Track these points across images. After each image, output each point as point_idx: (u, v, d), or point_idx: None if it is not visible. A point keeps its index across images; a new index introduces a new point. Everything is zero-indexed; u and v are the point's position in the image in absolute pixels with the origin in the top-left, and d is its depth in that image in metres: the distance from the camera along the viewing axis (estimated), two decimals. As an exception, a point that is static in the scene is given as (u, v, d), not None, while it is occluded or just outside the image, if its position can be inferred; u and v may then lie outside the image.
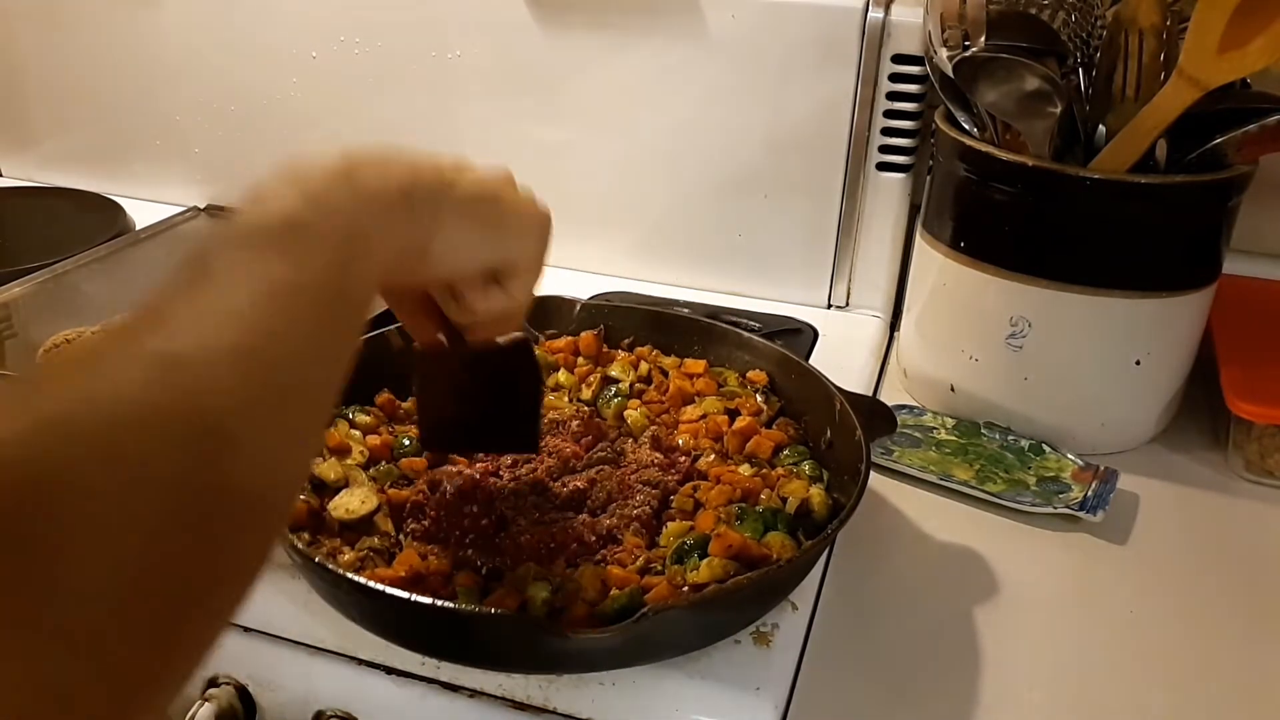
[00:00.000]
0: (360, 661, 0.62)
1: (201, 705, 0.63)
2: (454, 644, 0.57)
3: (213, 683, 0.65)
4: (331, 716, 0.62)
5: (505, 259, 0.51)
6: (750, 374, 0.77)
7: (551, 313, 0.83)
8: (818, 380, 0.72)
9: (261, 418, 0.34)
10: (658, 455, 0.69)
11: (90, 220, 1.14)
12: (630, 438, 0.72)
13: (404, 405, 0.74)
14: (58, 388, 0.30)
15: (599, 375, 0.77)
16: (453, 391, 0.62)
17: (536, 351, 0.69)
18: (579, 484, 0.66)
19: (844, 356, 0.93)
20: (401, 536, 0.63)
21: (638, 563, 0.59)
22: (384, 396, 0.74)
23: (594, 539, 0.61)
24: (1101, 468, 0.78)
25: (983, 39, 0.77)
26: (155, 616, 0.28)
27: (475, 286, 0.52)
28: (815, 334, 0.97)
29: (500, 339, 0.59)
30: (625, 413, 0.74)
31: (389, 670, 0.61)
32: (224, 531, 0.31)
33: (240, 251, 0.38)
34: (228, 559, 0.32)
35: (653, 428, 0.72)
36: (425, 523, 0.62)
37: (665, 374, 0.78)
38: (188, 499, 0.30)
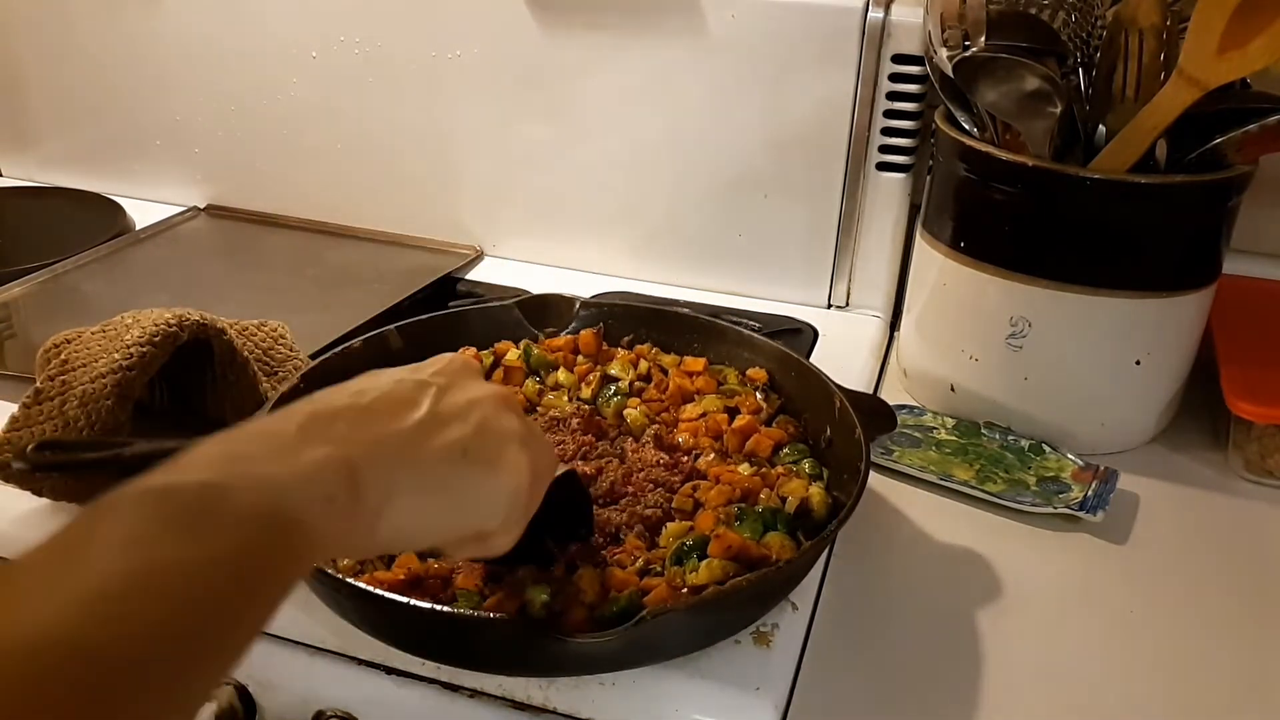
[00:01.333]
0: (360, 662, 0.62)
1: (201, 705, 0.63)
2: (453, 647, 0.57)
3: (212, 683, 0.65)
4: (331, 717, 0.62)
5: (471, 532, 0.45)
6: (750, 372, 0.77)
7: (551, 311, 0.83)
8: (817, 378, 0.72)
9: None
10: (663, 455, 0.69)
11: (90, 220, 1.14)
12: (630, 437, 0.72)
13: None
14: None
15: (599, 374, 0.77)
16: None
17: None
18: (586, 470, 0.66)
19: (844, 356, 0.93)
20: None
21: (637, 564, 0.59)
22: (384, 397, 0.73)
23: (600, 537, 0.61)
24: (1101, 468, 0.78)
25: (983, 39, 0.77)
26: None
27: (450, 545, 0.46)
28: (815, 334, 0.97)
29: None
30: (625, 411, 0.74)
31: (389, 670, 0.61)
32: None
33: (130, 520, 0.32)
34: None
35: (653, 426, 0.72)
36: None
37: (665, 372, 0.78)
38: None
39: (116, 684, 0.29)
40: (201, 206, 1.21)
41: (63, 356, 0.68)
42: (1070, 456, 0.80)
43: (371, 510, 0.39)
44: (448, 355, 0.48)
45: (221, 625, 0.33)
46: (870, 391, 0.89)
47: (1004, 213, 0.78)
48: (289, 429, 0.39)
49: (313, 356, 0.79)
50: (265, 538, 0.35)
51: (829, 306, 1.03)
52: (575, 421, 0.72)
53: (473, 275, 1.08)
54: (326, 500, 0.37)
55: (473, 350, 0.78)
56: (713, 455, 0.69)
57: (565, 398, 0.76)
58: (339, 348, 0.74)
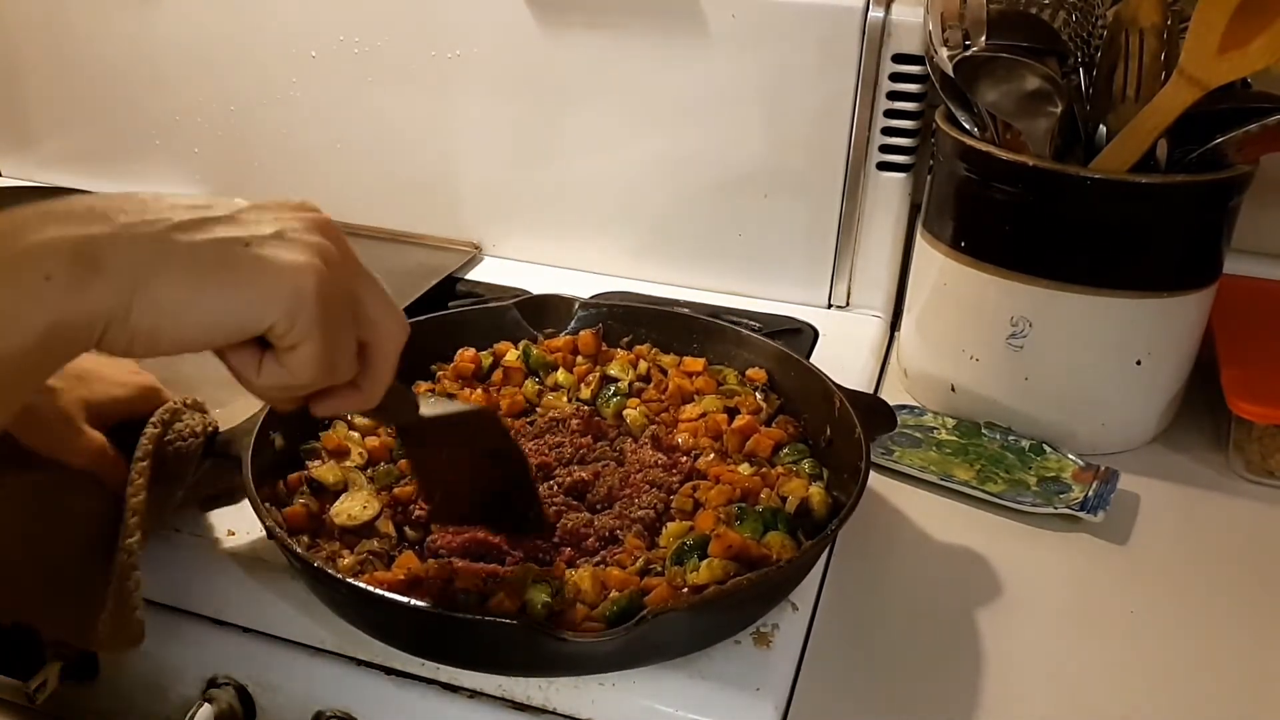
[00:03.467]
0: (360, 662, 0.62)
1: (201, 706, 0.63)
2: (453, 647, 0.57)
3: (213, 683, 0.65)
4: (331, 717, 0.62)
5: (247, 326, 0.40)
6: (749, 372, 0.77)
7: (550, 311, 0.83)
8: (817, 377, 0.72)
9: None
10: (661, 455, 0.69)
11: (89, 220, 1.14)
12: (629, 437, 0.72)
13: (403, 405, 0.74)
14: None
15: (598, 374, 0.77)
16: (441, 466, 0.59)
17: (506, 418, 0.65)
18: (583, 475, 0.66)
19: (844, 356, 0.92)
20: (407, 529, 0.63)
21: (637, 564, 0.59)
22: (383, 397, 0.73)
23: (595, 541, 0.61)
24: (1102, 468, 0.78)
25: (983, 38, 0.77)
26: None
27: (240, 356, 0.42)
28: (815, 334, 0.97)
29: (452, 409, 0.55)
30: (624, 412, 0.74)
31: (388, 671, 0.61)
32: None
33: None
34: None
35: (652, 427, 0.72)
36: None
37: (664, 372, 0.78)
38: None
39: None
40: (201, 206, 1.21)
41: None
42: (1071, 456, 0.80)
43: (113, 292, 0.37)
44: (291, 200, 0.44)
45: None
46: (870, 391, 0.89)
47: (1005, 213, 0.78)
48: (19, 219, 0.37)
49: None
50: None
51: (829, 306, 1.03)
52: (575, 422, 0.72)
53: (472, 275, 1.08)
54: (44, 279, 0.35)
55: (472, 351, 0.78)
56: (712, 455, 0.69)
57: (565, 398, 0.76)
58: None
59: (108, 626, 0.57)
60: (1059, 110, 0.74)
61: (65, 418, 0.59)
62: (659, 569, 0.59)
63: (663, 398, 0.76)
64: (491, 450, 0.60)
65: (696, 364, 0.78)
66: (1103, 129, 0.78)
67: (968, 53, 0.77)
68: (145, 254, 0.37)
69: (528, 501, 0.62)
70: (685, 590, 0.56)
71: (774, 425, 0.73)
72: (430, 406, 0.55)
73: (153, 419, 0.63)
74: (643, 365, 0.78)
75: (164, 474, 0.62)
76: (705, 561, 0.57)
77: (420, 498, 0.64)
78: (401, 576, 0.57)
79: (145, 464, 0.59)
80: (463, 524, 0.61)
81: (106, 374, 0.65)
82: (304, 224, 0.42)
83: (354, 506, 0.63)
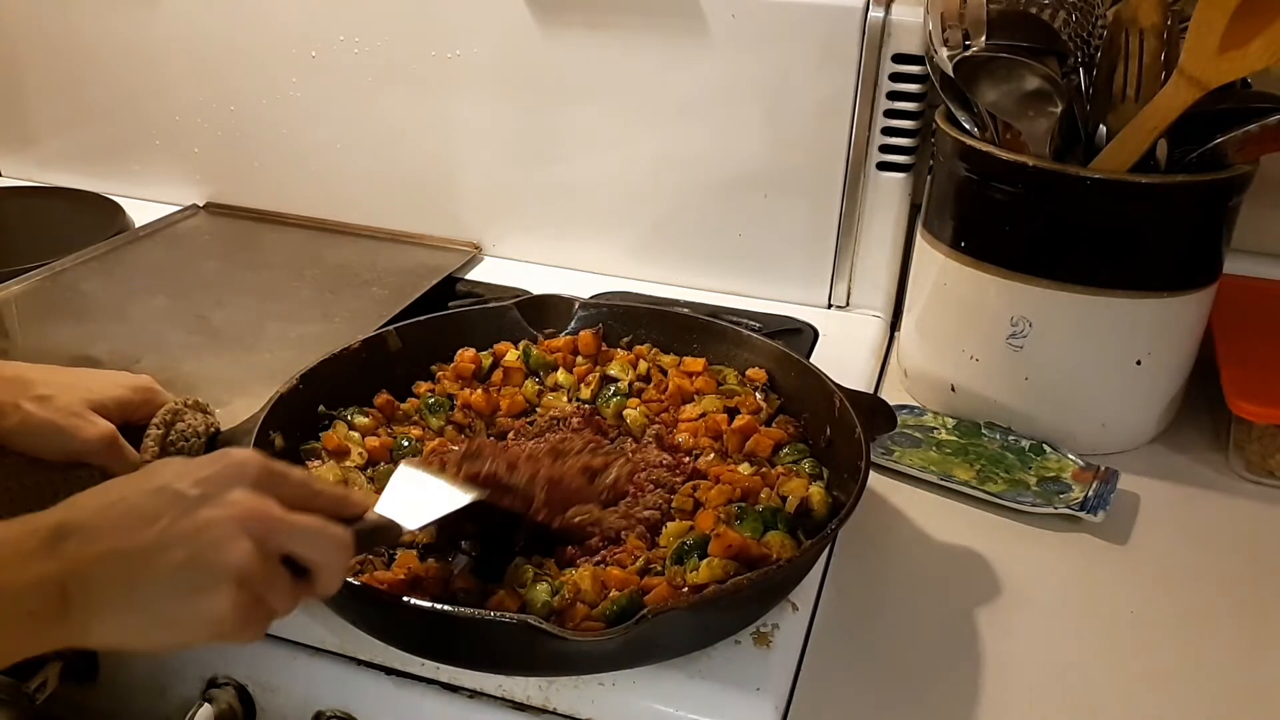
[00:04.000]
0: (360, 662, 0.62)
1: (201, 706, 0.63)
2: (453, 647, 0.57)
3: (213, 683, 0.65)
4: (331, 717, 0.62)
5: (183, 645, 0.47)
6: (749, 372, 0.77)
7: (550, 312, 0.83)
8: (817, 377, 0.72)
9: None
10: (666, 455, 0.69)
11: (89, 220, 1.14)
12: (630, 437, 0.72)
13: (402, 407, 0.74)
14: None
15: (598, 374, 0.77)
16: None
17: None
18: (593, 464, 0.66)
19: (844, 356, 0.93)
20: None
21: (637, 563, 0.59)
22: (382, 398, 0.73)
23: (598, 540, 0.61)
24: (1102, 468, 0.78)
25: (983, 38, 0.77)
26: None
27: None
28: (815, 334, 0.97)
29: (439, 516, 0.55)
30: (625, 412, 0.74)
31: (388, 671, 0.61)
32: None
33: None
34: None
35: (656, 427, 0.72)
36: None
37: (664, 372, 0.78)
38: None
39: None
40: (201, 205, 1.21)
41: None
42: (1071, 456, 0.80)
43: (78, 623, 0.44)
44: (235, 456, 0.48)
45: None
46: (870, 391, 0.89)
47: (1004, 212, 0.78)
48: (31, 543, 0.43)
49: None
50: None
51: (829, 306, 1.03)
52: (575, 420, 0.72)
53: (472, 275, 1.08)
54: (28, 614, 0.42)
55: (472, 352, 0.78)
56: (713, 455, 0.69)
57: (565, 398, 0.76)
58: (340, 349, 0.74)
59: None
60: (1059, 110, 0.74)
61: (72, 411, 0.60)
62: (659, 568, 0.59)
63: (663, 398, 0.76)
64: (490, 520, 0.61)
65: (696, 364, 0.78)
66: (1103, 129, 0.78)
67: (968, 53, 0.77)
68: (100, 594, 0.44)
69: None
70: (685, 590, 0.56)
71: (774, 425, 0.73)
72: (417, 515, 0.54)
73: (155, 419, 0.63)
74: (643, 365, 0.78)
75: None
76: (705, 561, 0.57)
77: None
78: (401, 576, 0.57)
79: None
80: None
81: (104, 375, 0.65)
82: (230, 526, 0.45)
83: (337, 480, 0.63)
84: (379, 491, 0.64)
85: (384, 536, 0.52)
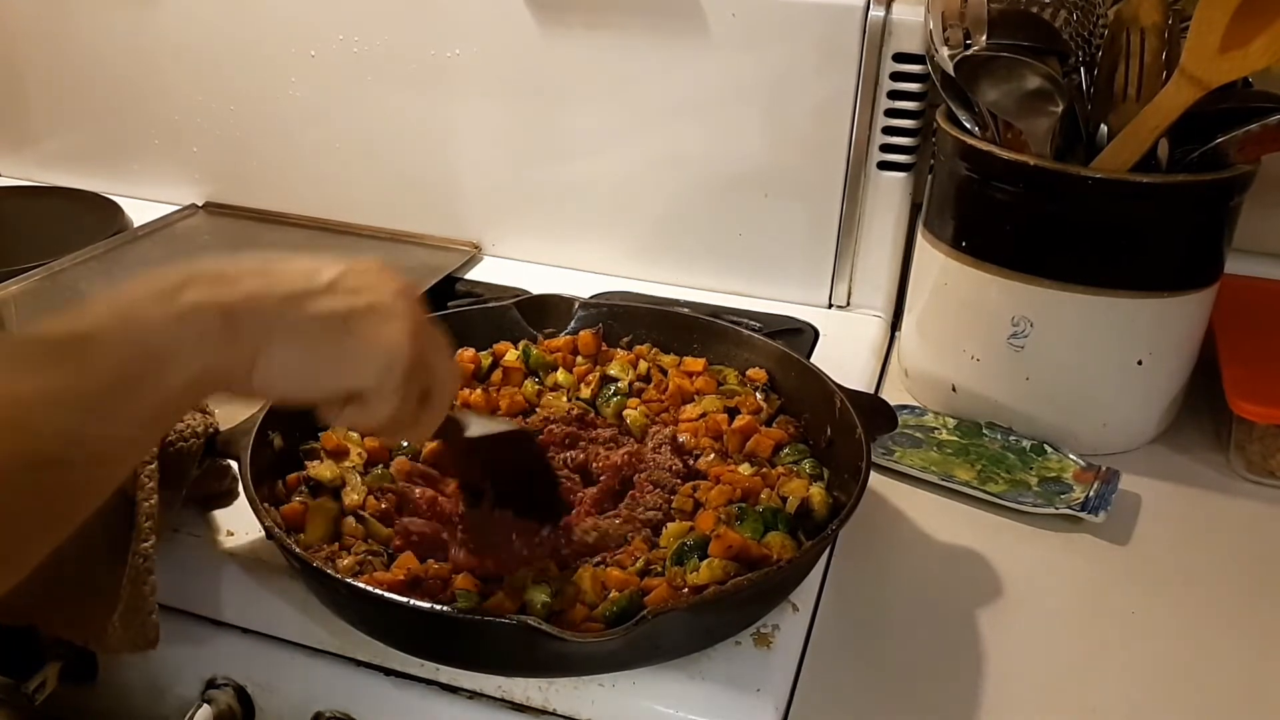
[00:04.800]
0: (359, 663, 0.62)
1: (200, 707, 0.63)
2: (453, 648, 0.57)
3: (212, 684, 0.65)
4: (330, 718, 0.62)
5: (343, 390, 0.48)
6: (750, 372, 0.77)
7: (550, 311, 0.82)
8: (817, 378, 0.72)
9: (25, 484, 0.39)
10: (675, 460, 0.68)
11: (89, 220, 1.14)
12: (630, 437, 0.72)
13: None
14: None
15: (598, 374, 0.77)
16: (476, 468, 0.63)
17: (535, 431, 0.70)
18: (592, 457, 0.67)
19: (845, 357, 0.92)
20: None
21: (638, 564, 0.59)
22: (383, 397, 0.73)
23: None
24: (1103, 468, 0.78)
25: (984, 37, 0.77)
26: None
27: (326, 404, 0.50)
28: (816, 334, 0.97)
29: (494, 430, 0.61)
30: (624, 412, 0.73)
31: (388, 671, 0.61)
32: None
33: (18, 359, 0.41)
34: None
35: (665, 428, 0.72)
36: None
37: (664, 372, 0.77)
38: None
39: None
40: (200, 204, 1.21)
41: None
42: (1072, 457, 0.80)
43: (246, 353, 0.45)
44: (374, 261, 0.51)
45: (82, 450, 0.40)
46: (871, 392, 0.89)
47: (1005, 212, 0.78)
48: (174, 280, 0.44)
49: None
50: (128, 370, 0.41)
51: (830, 306, 1.03)
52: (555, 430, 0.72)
53: (472, 275, 1.07)
54: (198, 337, 0.43)
55: (471, 352, 0.78)
56: (713, 455, 0.69)
57: (564, 398, 0.76)
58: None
59: (120, 629, 0.57)
60: (1060, 109, 0.74)
61: None
62: (659, 569, 0.59)
63: (663, 398, 0.76)
64: (527, 467, 0.64)
65: (697, 364, 0.78)
66: (1103, 128, 0.78)
67: (968, 52, 0.76)
68: (267, 323, 0.45)
69: (552, 505, 0.64)
70: (685, 590, 0.56)
71: (774, 425, 0.72)
72: (477, 426, 0.60)
73: None
74: (643, 365, 0.78)
75: (167, 475, 0.62)
76: (705, 562, 0.57)
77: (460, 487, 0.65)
78: (401, 576, 0.57)
79: (153, 466, 0.59)
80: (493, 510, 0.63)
81: None
82: (392, 296, 0.49)
83: (334, 478, 0.64)
84: (377, 491, 0.65)
85: (452, 428, 0.57)
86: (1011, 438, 0.82)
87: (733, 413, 0.73)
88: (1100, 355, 0.80)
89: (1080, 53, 0.79)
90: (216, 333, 0.44)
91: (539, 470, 0.65)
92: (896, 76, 0.92)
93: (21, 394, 0.39)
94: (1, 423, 0.38)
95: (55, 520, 0.41)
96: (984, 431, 0.83)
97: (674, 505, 0.64)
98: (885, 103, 0.94)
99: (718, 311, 0.97)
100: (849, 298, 1.03)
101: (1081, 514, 0.73)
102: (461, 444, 0.59)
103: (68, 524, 0.42)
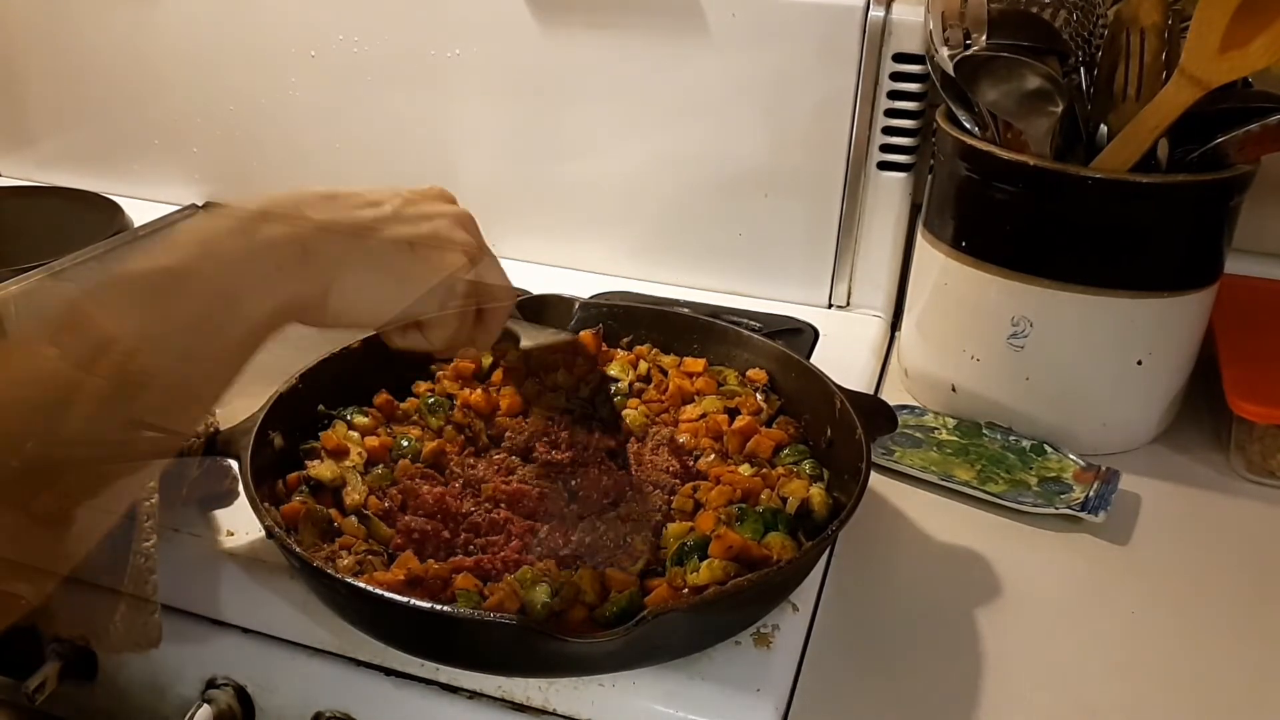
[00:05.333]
0: (359, 663, 0.62)
1: (200, 706, 0.63)
2: (453, 648, 0.57)
3: (212, 684, 0.65)
4: (330, 718, 0.62)
5: (411, 314, 0.52)
6: (750, 372, 0.77)
7: (550, 311, 0.82)
8: (818, 378, 0.72)
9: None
10: (674, 462, 0.68)
11: (88, 220, 1.14)
12: (631, 437, 0.72)
13: (402, 406, 0.74)
14: None
15: (598, 374, 0.77)
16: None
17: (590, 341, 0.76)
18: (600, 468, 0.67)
19: (845, 357, 0.92)
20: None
21: (637, 564, 0.59)
22: (382, 397, 0.73)
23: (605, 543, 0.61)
24: (1103, 468, 0.78)
25: (984, 37, 0.77)
26: None
27: (393, 327, 0.54)
28: (816, 334, 0.97)
29: (546, 341, 0.66)
30: (625, 412, 0.73)
31: (388, 671, 0.61)
32: None
33: (114, 298, 0.44)
34: None
35: (665, 429, 0.72)
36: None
37: (664, 373, 0.77)
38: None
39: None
40: (200, 204, 1.21)
41: None
42: (1072, 457, 0.80)
43: (321, 282, 0.47)
44: (432, 188, 0.56)
45: (174, 388, 0.44)
46: (871, 392, 0.89)
47: (1005, 212, 0.78)
48: (250, 212, 0.47)
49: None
50: (215, 305, 0.44)
51: (830, 306, 1.03)
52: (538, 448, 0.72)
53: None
54: (276, 268, 0.46)
55: (472, 351, 0.78)
56: (713, 456, 0.69)
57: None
58: (340, 349, 0.74)
59: (122, 629, 0.57)
60: (1060, 110, 0.74)
61: None
62: (659, 570, 0.59)
63: (663, 398, 0.76)
64: (580, 375, 0.70)
65: (697, 364, 0.78)
66: (1103, 128, 0.78)
67: (968, 52, 0.76)
68: (339, 251, 0.48)
69: (615, 419, 0.70)
70: (685, 591, 0.56)
71: (774, 426, 0.72)
72: (529, 338, 0.66)
73: None
74: (643, 365, 0.78)
75: (167, 475, 0.62)
76: (706, 562, 0.57)
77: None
78: (401, 576, 0.57)
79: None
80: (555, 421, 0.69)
81: None
82: (450, 222, 0.53)
83: (335, 478, 0.65)
84: (378, 490, 0.65)
85: (508, 339, 0.63)
86: (1011, 438, 0.82)
87: (733, 413, 0.73)
88: (1100, 355, 0.80)
89: (1080, 53, 0.79)
90: (294, 264, 0.46)
91: (594, 381, 0.70)
92: (896, 76, 0.92)
93: (125, 332, 0.41)
94: (105, 367, 0.40)
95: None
96: (984, 431, 0.83)
97: (674, 506, 0.64)
98: (885, 103, 0.94)
99: (718, 312, 0.97)
100: (849, 298, 1.03)
101: (1081, 514, 0.73)
102: (517, 359, 0.64)
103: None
